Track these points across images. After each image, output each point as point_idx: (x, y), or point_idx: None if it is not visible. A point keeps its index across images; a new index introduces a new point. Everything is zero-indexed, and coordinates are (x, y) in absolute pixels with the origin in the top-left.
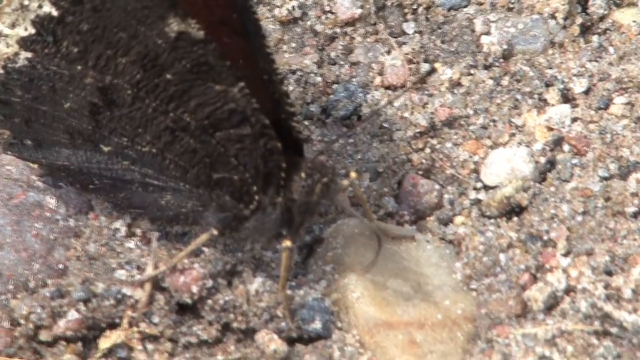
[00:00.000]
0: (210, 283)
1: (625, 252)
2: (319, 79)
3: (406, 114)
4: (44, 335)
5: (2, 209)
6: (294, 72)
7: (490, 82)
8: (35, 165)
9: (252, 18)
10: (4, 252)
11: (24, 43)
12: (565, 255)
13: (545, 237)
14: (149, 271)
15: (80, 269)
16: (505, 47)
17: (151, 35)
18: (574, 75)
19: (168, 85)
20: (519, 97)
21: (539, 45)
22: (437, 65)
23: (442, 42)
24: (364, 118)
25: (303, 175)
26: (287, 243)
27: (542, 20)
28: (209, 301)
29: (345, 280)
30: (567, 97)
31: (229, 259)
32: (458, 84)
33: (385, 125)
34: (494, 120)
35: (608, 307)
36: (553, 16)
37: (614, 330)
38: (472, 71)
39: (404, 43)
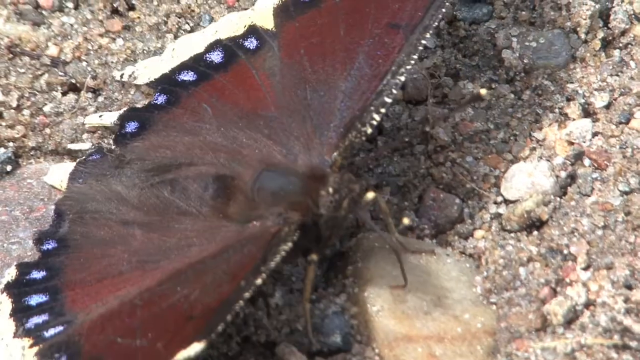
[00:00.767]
0: None
1: None
2: None
3: (427, 128)
4: None
5: (23, 222)
6: None
7: (512, 96)
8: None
9: None
10: None
11: None
12: (585, 269)
13: (565, 251)
14: None
15: None
16: (526, 61)
17: None
18: (595, 89)
19: None
20: (540, 111)
21: (560, 60)
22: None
23: (464, 56)
24: (385, 132)
25: (330, 190)
26: (314, 257)
27: (564, 34)
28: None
29: (365, 294)
30: (588, 112)
31: None
32: (479, 98)
33: (406, 139)
34: (514, 135)
35: (628, 321)
36: (574, 30)
37: (633, 344)
38: (493, 85)
39: (426, 57)
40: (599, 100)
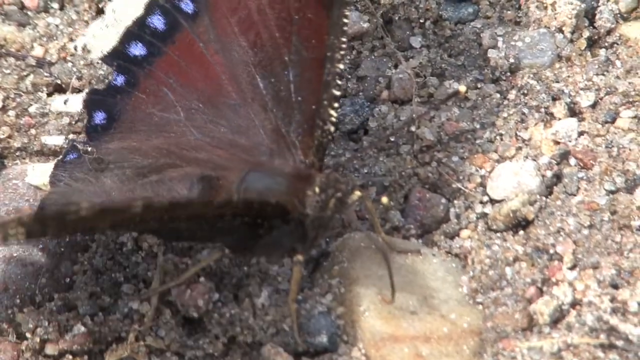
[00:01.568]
0: (216, 297)
1: (631, 266)
2: None
3: (412, 128)
4: (50, 349)
5: None
6: None
7: (497, 95)
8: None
9: None
10: (10, 266)
11: None
12: (572, 268)
13: (551, 251)
14: (155, 285)
15: (87, 283)
16: (512, 60)
17: None
18: (581, 89)
19: None
20: (525, 110)
21: (546, 59)
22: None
23: (449, 55)
24: (371, 132)
25: (317, 190)
26: (299, 257)
27: (549, 34)
28: (215, 315)
29: (351, 294)
30: (573, 111)
31: (235, 273)
32: (465, 98)
33: (392, 139)
34: (500, 134)
35: (614, 321)
36: (560, 30)
37: (619, 343)
38: (479, 85)
39: (411, 57)
40: (585, 100)
